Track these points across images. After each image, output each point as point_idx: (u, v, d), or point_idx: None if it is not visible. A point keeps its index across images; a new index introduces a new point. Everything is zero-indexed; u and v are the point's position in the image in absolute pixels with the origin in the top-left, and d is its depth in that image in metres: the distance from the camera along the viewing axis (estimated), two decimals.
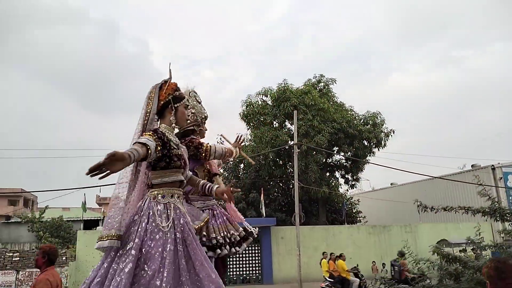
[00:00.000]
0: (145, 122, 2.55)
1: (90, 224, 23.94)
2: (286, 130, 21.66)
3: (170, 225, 2.36)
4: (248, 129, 22.12)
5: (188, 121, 3.00)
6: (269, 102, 21.77)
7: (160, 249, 2.25)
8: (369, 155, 22.16)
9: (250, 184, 20.72)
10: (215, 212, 3.35)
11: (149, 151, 2.28)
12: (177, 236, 2.34)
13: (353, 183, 22.96)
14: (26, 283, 13.70)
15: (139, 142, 2.29)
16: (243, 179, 21.05)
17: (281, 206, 21.64)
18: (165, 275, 2.17)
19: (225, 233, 3.22)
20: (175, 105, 2.59)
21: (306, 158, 19.94)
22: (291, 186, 20.62)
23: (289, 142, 20.26)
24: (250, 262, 17.21)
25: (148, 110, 2.58)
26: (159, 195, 2.47)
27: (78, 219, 23.69)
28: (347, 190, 23.74)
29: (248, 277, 17.00)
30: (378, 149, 22.17)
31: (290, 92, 20.94)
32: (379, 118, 22.17)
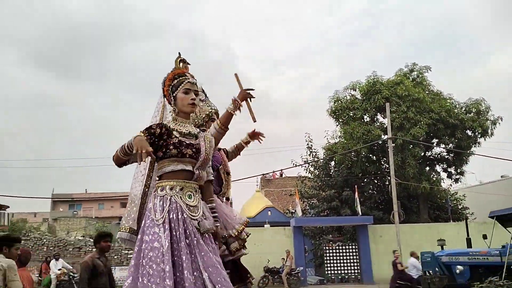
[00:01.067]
0: (157, 119, 2.70)
1: None
2: (378, 124, 20.78)
3: (165, 219, 2.28)
4: (337, 125, 21.69)
5: (191, 104, 2.58)
6: (358, 96, 21.07)
7: (155, 244, 2.21)
8: (474, 146, 20.25)
9: (342, 181, 20.27)
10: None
11: (130, 158, 2.38)
12: (173, 232, 2.26)
13: (457, 177, 21.18)
14: None
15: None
16: (334, 176, 20.68)
17: (378, 204, 20.80)
18: (161, 270, 2.13)
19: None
20: (173, 94, 2.52)
21: (402, 153, 18.90)
22: (387, 183, 19.71)
23: (383, 136, 19.39)
24: (348, 261, 16.85)
25: (157, 108, 2.73)
26: (159, 188, 2.42)
27: None
28: (451, 185, 21.98)
29: (347, 277, 16.68)
30: (484, 139, 20.15)
31: (381, 84, 20.03)
32: (483, 105, 20.13)
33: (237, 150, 3.59)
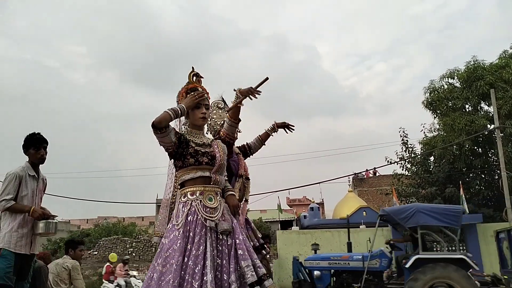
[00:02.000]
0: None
1: (286, 224, 25.84)
2: (482, 113, 18.93)
3: (182, 222, 2.48)
4: (434, 117, 20.23)
5: (201, 117, 2.74)
6: (457, 85, 19.43)
7: (173, 246, 2.41)
8: None
9: (444, 178, 18.82)
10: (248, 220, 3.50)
11: (169, 127, 2.52)
12: (190, 233, 2.45)
13: None
14: None
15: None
16: (435, 173, 19.29)
17: (487, 201, 18.91)
18: (172, 271, 2.31)
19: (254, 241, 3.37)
20: None
21: None
22: (497, 177, 17.85)
23: (489, 126, 17.63)
24: None
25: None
26: (182, 195, 2.63)
27: (275, 219, 25.84)
28: None
29: None
30: None
31: (483, 69, 18.23)
32: None
33: (261, 140, 3.61)
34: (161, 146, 2.63)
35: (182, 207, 2.57)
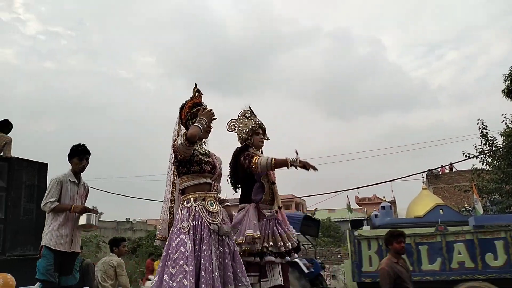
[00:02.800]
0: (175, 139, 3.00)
1: (356, 224, 25.21)
2: None
3: (189, 226, 2.67)
4: None
5: (208, 131, 3.05)
6: None
7: (180, 248, 2.60)
8: None
9: None
10: (278, 221, 3.54)
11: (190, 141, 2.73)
12: (196, 236, 2.65)
13: None
14: None
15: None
16: None
17: None
18: (190, 271, 2.50)
19: (288, 243, 3.43)
20: (192, 121, 2.95)
21: None
22: None
23: None
24: None
25: (175, 129, 3.12)
26: (185, 201, 2.83)
27: (344, 219, 25.31)
28: None
29: None
30: None
31: None
32: None
33: (273, 166, 3.57)
34: (176, 154, 2.83)
35: (187, 212, 2.77)
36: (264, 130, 3.75)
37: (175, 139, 2.88)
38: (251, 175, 3.50)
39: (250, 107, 3.81)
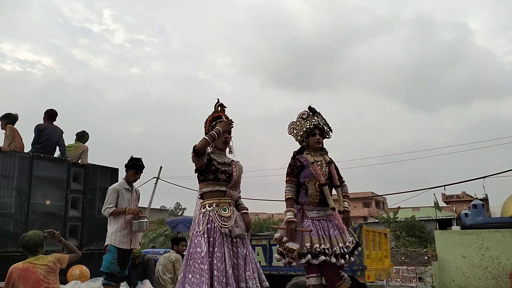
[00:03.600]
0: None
1: (443, 223, 23.28)
2: None
3: (204, 230, 2.99)
4: None
5: (223, 141, 3.31)
6: None
7: (197, 249, 2.93)
8: None
9: None
10: (332, 222, 3.49)
11: (205, 152, 3.10)
12: (210, 239, 2.96)
13: None
14: None
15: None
16: None
17: None
18: (206, 270, 2.82)
19: (341, 245, 3.36)
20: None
21: None
22: None
23: None
24: None
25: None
26: (201, 206, 3.15)
27: (430, 218, 23.55)
28: None
29: None
30: None
31: None
32: None
33: (340, 202, 3.67)
34: (193, 163, 3.10)
35: (202, 216, 3.09)
36: (321, 129, 3.67)
37: None
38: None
39: (310, 107, 3.76)
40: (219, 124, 3.22)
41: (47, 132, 6.25)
